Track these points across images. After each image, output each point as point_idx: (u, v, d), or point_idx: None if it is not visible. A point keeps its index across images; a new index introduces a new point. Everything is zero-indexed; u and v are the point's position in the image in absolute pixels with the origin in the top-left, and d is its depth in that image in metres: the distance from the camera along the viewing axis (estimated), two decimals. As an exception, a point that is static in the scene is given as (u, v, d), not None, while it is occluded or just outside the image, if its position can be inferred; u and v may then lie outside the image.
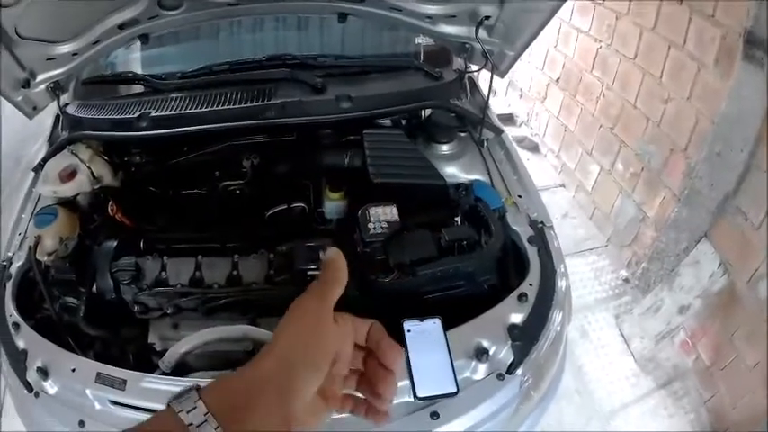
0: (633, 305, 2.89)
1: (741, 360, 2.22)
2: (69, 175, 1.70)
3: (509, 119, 4.38)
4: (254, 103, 1.66)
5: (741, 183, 2.19)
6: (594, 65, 3.27)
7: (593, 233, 3.43)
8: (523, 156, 1.91)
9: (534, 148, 4.15)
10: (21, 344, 1.39)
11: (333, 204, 1.71)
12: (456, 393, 1.20)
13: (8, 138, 3.19)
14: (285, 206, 1.72)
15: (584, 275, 3.16)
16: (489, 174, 1.78)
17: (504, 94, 4.60)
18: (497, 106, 4.13)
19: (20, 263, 1.57)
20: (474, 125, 1.92)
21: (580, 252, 3.30)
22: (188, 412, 0.58)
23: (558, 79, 3.74)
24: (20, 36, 1.56)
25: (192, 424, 0.57)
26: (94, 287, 1.49)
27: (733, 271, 2.28)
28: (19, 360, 1.36)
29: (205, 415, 0.58)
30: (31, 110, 1.82)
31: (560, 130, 3.80)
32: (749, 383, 2.16)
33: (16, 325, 1.41)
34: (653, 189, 2.87)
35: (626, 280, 3.10)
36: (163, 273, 1.48)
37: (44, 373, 1.31)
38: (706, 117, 2.41)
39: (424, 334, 1.25)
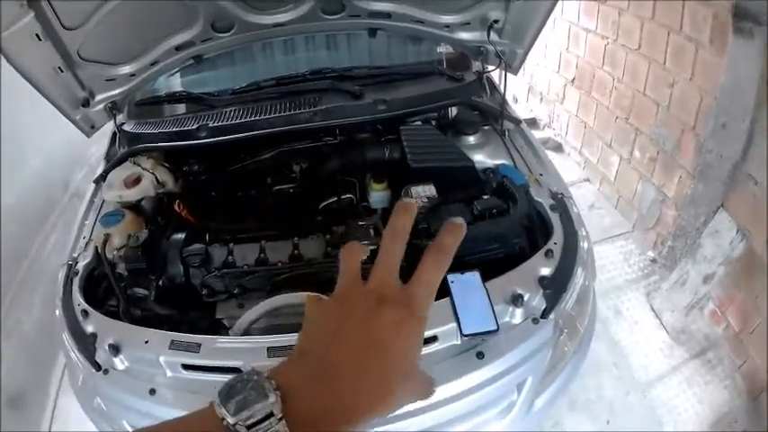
0: (662, 282, 3.02)
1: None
2: (134, 181, 1.86)
3: (532, 122, 4.59)
4: (302, 110, 1.91)
5: (747, 150, 2.32)
6: (604, 60, 3.48)
7: (619, 220, 3.60)
8: (548, 155, 2.12)
9: (558, 148, 4.35)
10: (90, 328, 1.49)
11: (378, 195, 1.92)
12: (497, 331, 1.41)
13: (56, 164, 3.41)
14: (335, 198, 1.95)
15: (614, 259, 3.32)
16: (512, 158, 1.99)
17: (525, 99, 4.83)
18: (520, 111, 4.35)
19: (86, 261, 1.69)
20: (495, 118, 2.15)
21: (608, 238, 3.47)
22: None
23: (574, 79, 3.95)
24: (81, 58, 1.74)
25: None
26: (164, 276, 1.63)
27: (750, 235, 2.38)
28: (88, 343, 1.46)
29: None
30: (89, 128, 1.97)
31: (580, 128, 4.00)
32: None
33: (85, 312, 1.52)
34: (670, 170, 3.02)
35: (653, 260, 3.24)
36: (230, 257, 1.67)
37: (116, 349, 1.41)
38: (709, 94, 2.56)
39: (465, 284, 1.47)
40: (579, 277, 1.65)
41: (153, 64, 1.99)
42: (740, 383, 2.53)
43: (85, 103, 1.89)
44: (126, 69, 1.92)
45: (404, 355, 0.54)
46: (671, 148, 2.97)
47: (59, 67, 1.71)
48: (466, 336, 1.39)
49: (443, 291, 1.45)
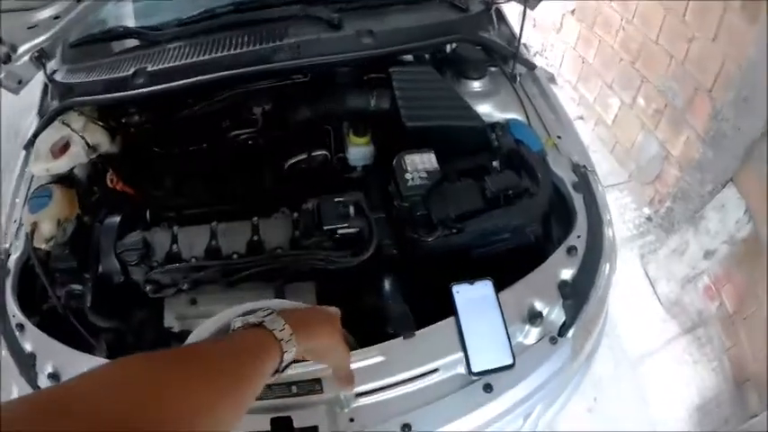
0: (657, 245, 2.81)
1: (762, 311, 2.15)
2: (62, 148, 1.54)
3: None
4: (264, 45, 1.46)
5: None
6: (613, -4, 3.06)
7: (615, 168, 3.31)
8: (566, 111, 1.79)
9: (550, 79, 3.94)
10: (28, 347, 1.26)
11: (358, 150, 1.55)
12: (512, 366, 1.10)
13: (5, 111, 2.94)
14: (305, 155, 1.57)
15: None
16: (526, 112, 1.62)
17: (516, 23, 4.38)
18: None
19: (18, 254, 1.43)
20: (505, 59, 1.75)
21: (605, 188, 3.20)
22: (280, 331, 0.77)
23: (574, 11, 3.53)
24: (-7, 8, 1.43)
25: (282, 340, 0.76)
26: (100, 270, 1.35)
27: (757, 221, 2.19)
28: (28, 365, 1.24)
29: (291, 335, 0.77)
30: (17, 84, 1.70)
31: (578, 62, 3.61)
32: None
33: (21, 326, 1.28)
34: (677, 127, 2.74)
35: (649, 218, 3.01)
36: (174, 246, 1.31)
37: (56, 378, 1.20)
38: (732, 60, 2.28)
39: (474, 298, 1.14)
40: (603, 277, 1.35)
41: (79, 1, 1.67)
42: (727, 367, 2.39)
43: (7, 59, 1.62)
44: (48, 12, 1.64)
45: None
46: (681, 105, 2.66)
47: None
48: (475, 374, 1.09)
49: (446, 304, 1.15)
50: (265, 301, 1.09)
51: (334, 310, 0.96)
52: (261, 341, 0.76)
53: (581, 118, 3.64)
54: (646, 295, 2.70)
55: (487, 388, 1.12)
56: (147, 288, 1.29)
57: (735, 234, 2.30)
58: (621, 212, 3.07)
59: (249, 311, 0.95)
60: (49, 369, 1.20)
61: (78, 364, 1.19)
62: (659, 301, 2.65)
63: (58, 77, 1.68)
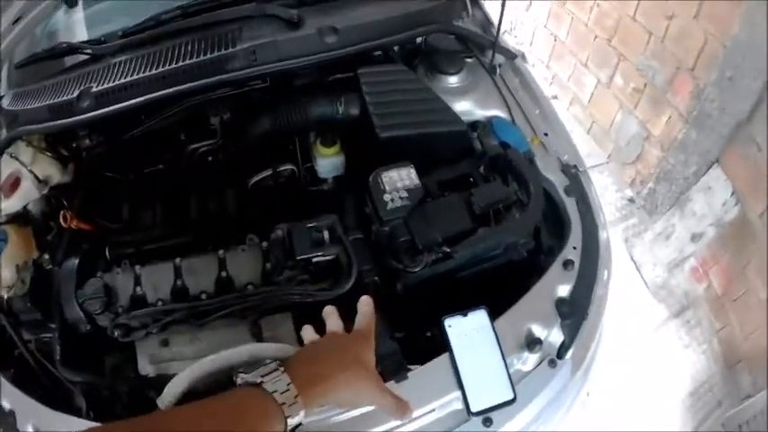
0: (641, 227, 2.75)
1: (752, 293, 2.12)
2: (12, 185, 1.42)
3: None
4: (216, 53, 1.29)
5: (755, 111, 2.01)
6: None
7: (593, 148, 3.21)
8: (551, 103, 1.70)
9: (522, 57, 3.82)
10: (6, 404, 1.17)
11: (327, 161, 1.42)
12: (513, 401, 1.01)
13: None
14: (270, 171, 1.43)
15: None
16: (509, 108, 1.50)
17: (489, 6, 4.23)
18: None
19: None
20: (482, 49, 1.61)
21: (583, 170, 3.12)
22: (282, 393, 0.69)
23: (542, -14, 3.38)
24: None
25: (284, 404, 0.68)
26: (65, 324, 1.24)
27: (745, 202, 2.14)
28: (9, 423, 1.15)
29: (296, 398, 0.69)
30: None
31: (549, 40, 3.49)
32: (760, 318, 2.07)
33: None
34: (657, 107, 2.66)
35: (631, 200, 2.94)
36: (138, 288, 1.19)
37: None
38: (716, 38, 2.19)
39: (469, 331, 1.03)
40: (601, 289, 1.29)
41: (16, 22, 1.60)
42: (717, 349, 2.37)
43: None
44: (-15, 38, 1.55)
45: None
46: (661, 83, 2.58)
47: None
48: (475, 414, 1.00)
49: (438, 341, 1.05)
50: (243, 347, 0.98)
51: (365, 332, 0.88)
52: (257, 406, 0.68)
53: (555, 97, 3.52)
54: (631, 280, 2.64)
55: (487, 422, 1.04)
56: (116, 333, 1.18)
57: (722, 217, 2.25)
58: (603, 194, 2.96)
59: (250, 360, 0.94)
60: (30, 430, 1.11)
61: (57, 425, 1.11)
62: (646, 286, 2.60)
63: (4, 104, 1.52)
